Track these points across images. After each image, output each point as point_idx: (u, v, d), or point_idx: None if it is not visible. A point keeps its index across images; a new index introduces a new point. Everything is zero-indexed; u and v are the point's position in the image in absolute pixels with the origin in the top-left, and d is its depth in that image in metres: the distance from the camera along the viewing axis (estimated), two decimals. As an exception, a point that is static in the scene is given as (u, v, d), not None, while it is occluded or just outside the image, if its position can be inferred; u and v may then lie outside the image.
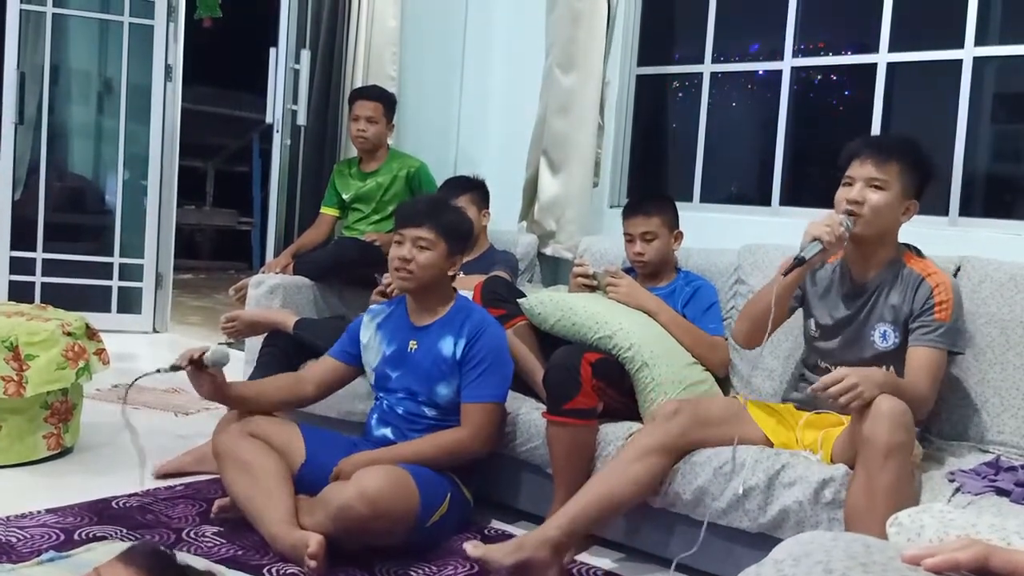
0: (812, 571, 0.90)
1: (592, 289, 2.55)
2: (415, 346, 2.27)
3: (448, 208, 2.34)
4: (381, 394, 2.33)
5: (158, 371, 2.06)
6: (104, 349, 2.78)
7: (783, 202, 3.27)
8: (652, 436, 2.02)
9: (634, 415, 2.29)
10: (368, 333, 2.36)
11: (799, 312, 2.28)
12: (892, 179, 2.01)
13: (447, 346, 2.24)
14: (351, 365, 2.36)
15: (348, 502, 1.94)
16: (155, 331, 4.94)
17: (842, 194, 2.05)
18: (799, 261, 1.99)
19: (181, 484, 2.49)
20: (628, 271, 2.65)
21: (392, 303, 2.41)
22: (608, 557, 2.21)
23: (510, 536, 2.30)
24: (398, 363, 2.28)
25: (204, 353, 2.06)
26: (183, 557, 1.51)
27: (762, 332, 2.06)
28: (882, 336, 2.06)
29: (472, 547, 1.92)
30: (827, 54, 3.42)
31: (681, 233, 2.66)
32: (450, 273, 2.27)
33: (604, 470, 2.03)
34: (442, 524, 2.15)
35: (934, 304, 2.00)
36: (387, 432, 2.27)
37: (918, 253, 2.12)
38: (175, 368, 2.07)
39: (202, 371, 2.08)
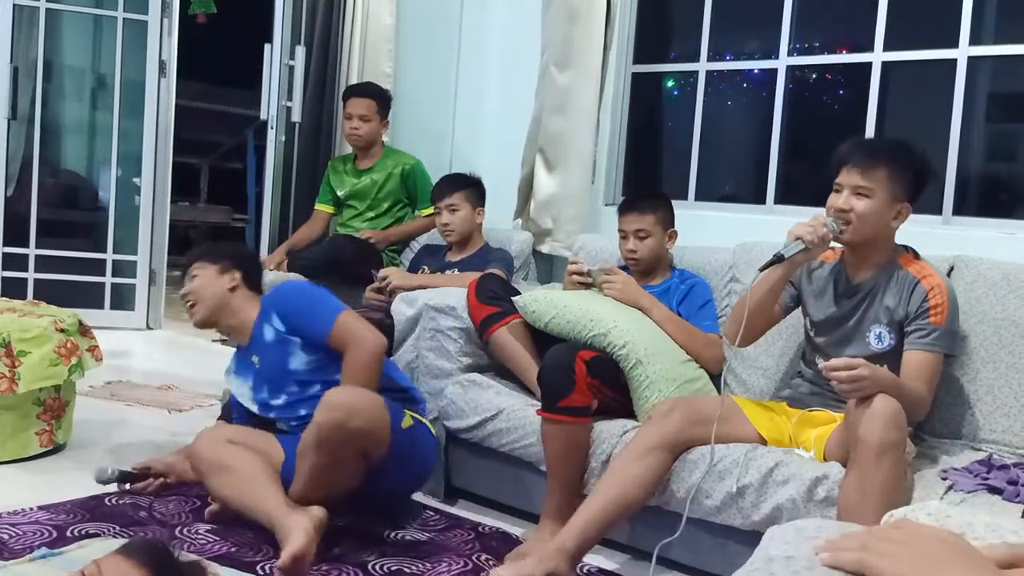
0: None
1: (587, 287, 2.55)
2: (257, 359, 2.32)
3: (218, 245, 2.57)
4: (281, 422, 2.33)
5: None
6: (97, 346, 2.77)
7: (778, 200, 3.27)
8: (651, 435, 2.02)
9: (629, 413, 2.30)
10: (233, 384, 2.42)
11: (795, 312, 2.29)
12: (878, 186, 2.01)
13: (268, 332, 2.30)
14: (262, 423, 2.39)
15: (321, 419, 1.99)
16: (148, 328, 4.92)
17: (831, 201, 2.06)
18: (778, 258, 1.99)
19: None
20: (624, 269, 2.66)
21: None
22: (604, 555, 2.20)
23: (505, 533, 2.31)
24: (258, 382, 2.32)
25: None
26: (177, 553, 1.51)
27: (749, 331, 2.07)
28: (877, 338, 2.07)
29: (504, 570, 1.92)
30: (822, 53, 3.42)
31: (675, 232, 2.67)
32: (230, 287, 2.34)
33: (608, 475, 2.02)
34: (415, 436, 2.22)
35: (929, 307, 2.00)
36: None
37: (915, 255, 2.13)
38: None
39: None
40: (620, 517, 2.02)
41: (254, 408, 2.36)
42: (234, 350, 2.46)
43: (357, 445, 2.05)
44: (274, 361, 2.29)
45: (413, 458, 2.23)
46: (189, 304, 2.36)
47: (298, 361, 2.27)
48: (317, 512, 1.96)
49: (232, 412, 2.46)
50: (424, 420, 2.31)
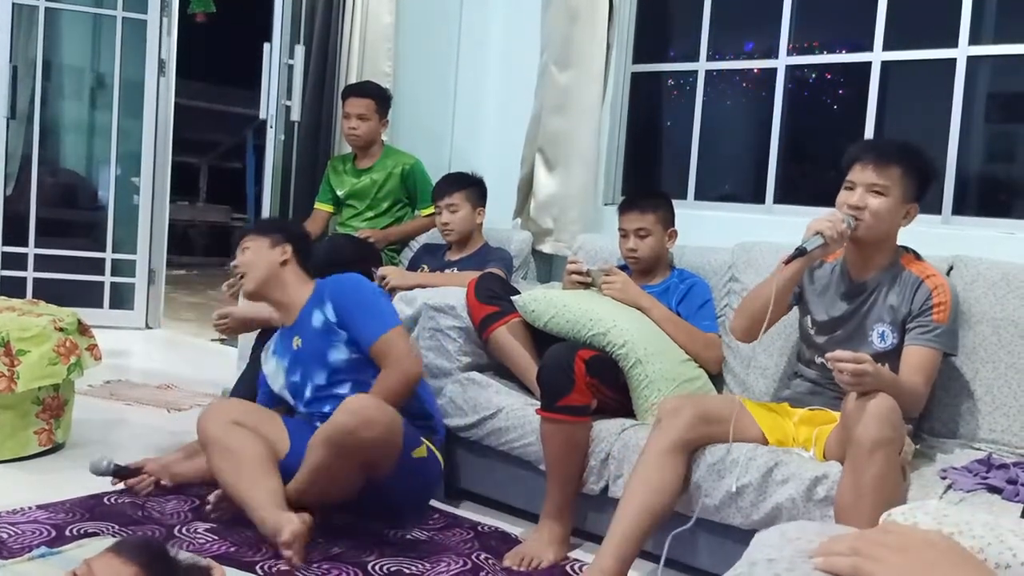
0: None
1: (586, 286, 2.55)
2: (299, 342, 2.32)
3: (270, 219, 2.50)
4: (305, 411, 2.34)
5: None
6: (96, 345, 2.77)
7: (777, 200, 3.27)
8: (664, 437, 1.99)
9: (628, 412, 2.30)
10: (270, 364, 2.41)
11: (792, 310, 2.29)
12: (893, 184, 2.02)
13: (317, 318, 2.29)
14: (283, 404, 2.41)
15: (336, 420, 2.01)
16: (148, 327, 4.92)
17: (843, 198, 2.06)
18: (800, 252, 2.00)
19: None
20: (623, 269, 2.66)
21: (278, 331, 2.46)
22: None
23: (504, 532, 2.31)
24: (294, 365, 2.33)
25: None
26: (174, 552, 1.51)
27: (760, 325, 2.07)
28: (880, 337, 2.07)
29: None
30: (822, 52, 3.42)
31: (675, 231, 2.67)
32: (281, 260, 2.34)
33: (631, 485, 1.99)
34: (424, 467, 2.22)
35: (932, 305, 2.01)
36: None
37: (916, 256, 2.13)
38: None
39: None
40: (652, 527, 1.96)
41: (286, 394, 2.36)
42: (279, 330, 2.44)
43: (362, 457, 2.05)
44: (315, 348, 2.28)
45: (417, 487, 2.23)
46: (239, 276, 2.35)
47: (339, 354, 2.27)
48: (306, 518, 1.99)
49: (258, 394, 2.44)
50: (437, 453, 2.29)
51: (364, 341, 2.24)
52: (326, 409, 2.27)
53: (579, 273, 2.56)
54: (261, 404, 2.41)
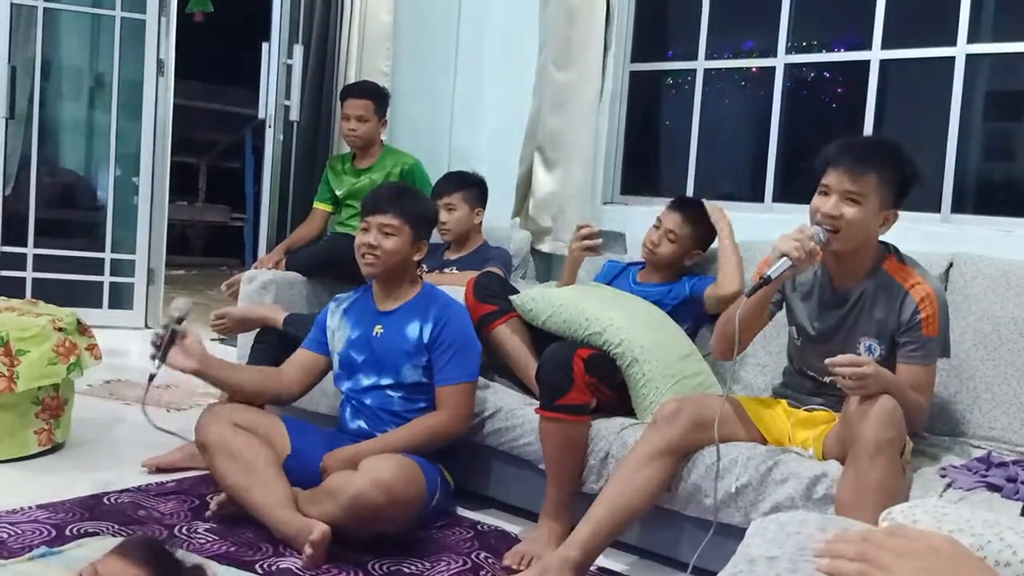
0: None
1: (595, 251, 2.55)
2: (380, 330, 2.29)
3: (411, 194, 2.41)
4: (347, 389, 2.34)
5: (151, 377, 2.14)
6: (95, 345, 2.77)
7: (776, 199, 3.27)
8: (656, 440, 1.99)
9: (627, 411, 2.29)
10: (335, 319, 2.38)
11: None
12: (869, 192, 1.91)
13: (413, 330, 2.26)
14: (325, 355, 2.38)
15: (363, 490, 1.96)
16: (147, 327, 4.91)
17: (817, 204, 1.96)
18: (765, 281, 1.91)
19: (172, 480, 2.49)
20: (637, 263, 2.71)
21: (359, 290, 2.43)
22: (614, 558, 2.17)
23: (503, 531, 2.31)
24: (362, 347, 2.30)
25: (168, 323, 2.12)
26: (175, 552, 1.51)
27: (740, 345, 2.01)
28: (867, 350, 2.01)
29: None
30: (820, 51, 3.42)
31: (700, 254, 2.68)
32: (415, 258, 2.31)
33: (612, 481, 1.99)
34: (437, 508, 2.21)
35: (920, 320, 1.94)
36: (362, 423, 2.30)
37: (899, 257, 2.04)
38: (157, 356, 2.12)
39: (174, 344, 2.13)
40: (626, 524, 1.98)
41: (335, 358, 2.34)
42: (362, 292, 2.39)
43: (381, 525, 2.04)
44: (395, 354, 2.26)
45: (425, 519, 2.22)
46: (370, 255, 2.24)
47: (412, 373, 2.26)
48: (325, 528, 1.97)
49: (312, 331, 2.41)
50: (450, 479, 2.27)
51: (438, 379, 2.24)
52: (367, 401, 2.28)
53: (591, 237, 2.55)
54: (307, 347, 2.37)
